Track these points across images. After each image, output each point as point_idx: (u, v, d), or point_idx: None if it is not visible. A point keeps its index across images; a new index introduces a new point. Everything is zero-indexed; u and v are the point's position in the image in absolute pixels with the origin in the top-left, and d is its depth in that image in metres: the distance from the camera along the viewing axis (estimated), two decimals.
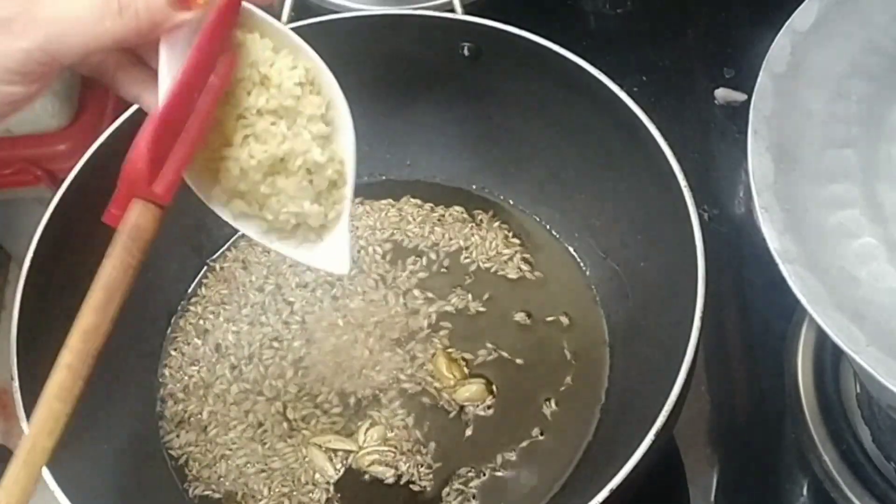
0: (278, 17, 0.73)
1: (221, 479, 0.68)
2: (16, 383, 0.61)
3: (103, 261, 0.48)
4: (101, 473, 0.65)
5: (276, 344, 0.73)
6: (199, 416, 0.71)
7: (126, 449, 0.68)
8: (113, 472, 0.66)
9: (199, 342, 0.74)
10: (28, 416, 0.59)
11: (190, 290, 0.77)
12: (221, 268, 0.77)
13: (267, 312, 0.75)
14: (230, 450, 0.69)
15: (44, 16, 0.47)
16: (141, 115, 0.69)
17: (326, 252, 0.55)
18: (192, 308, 0.76)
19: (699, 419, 0.73)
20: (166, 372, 0.73)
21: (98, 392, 0.69)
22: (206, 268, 0.78)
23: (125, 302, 0.49)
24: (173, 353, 0.74)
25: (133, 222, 0.49)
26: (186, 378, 0.73)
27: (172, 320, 0.76)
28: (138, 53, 0.54)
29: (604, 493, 0.54)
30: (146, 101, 0.54)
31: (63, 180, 0.68)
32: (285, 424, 0.70)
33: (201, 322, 0.75)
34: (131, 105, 0.71)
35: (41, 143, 0.92)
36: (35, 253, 0.65)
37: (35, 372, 0.63)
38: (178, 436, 0.70)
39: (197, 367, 0.73)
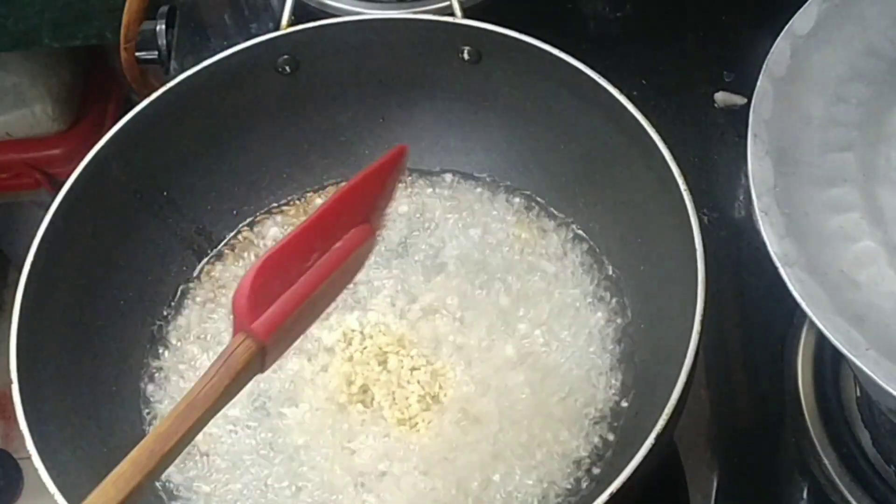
0: (278, 22, 0.74)
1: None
2: (15, 386, 0.61)
3: (199, 379, 0.49)
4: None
5: None
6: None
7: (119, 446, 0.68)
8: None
9: (197, 350, 0.74)
10: (27, 418, 0.59)
11: (189, 291, 0.77)
12: (221, 269, 0.77)
13: None
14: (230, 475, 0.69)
15: None
16: (143, 116, 0.70)
17: None
18: (190, 309, 0.76)
19: (699, 423, 0.73)
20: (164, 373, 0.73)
21: (97, 391, 0.70)
22: (206, 269, 0.77)
23: (207, 420, 0.48)
24: (169, 355, 0.74)
25: (230, 350, 0.49)
26: (183, 382, 0.73)
27: (171, 321, 0.76)
28: None
29: (604, 497, 0.54)
30: None
31: (63, 184, 0.68)
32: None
33: (201, 323, 0.75)
34: (131, 109, 0.71)
35: (41, 147, 0.92)
36: (35, 256, 0.65)
37: (34, 375, 0.63)
38: None
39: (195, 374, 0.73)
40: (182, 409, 0.47)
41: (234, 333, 0.50)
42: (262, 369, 0.50)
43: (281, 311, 0.50)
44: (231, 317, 0.50)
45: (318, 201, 0.79)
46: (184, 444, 0.47)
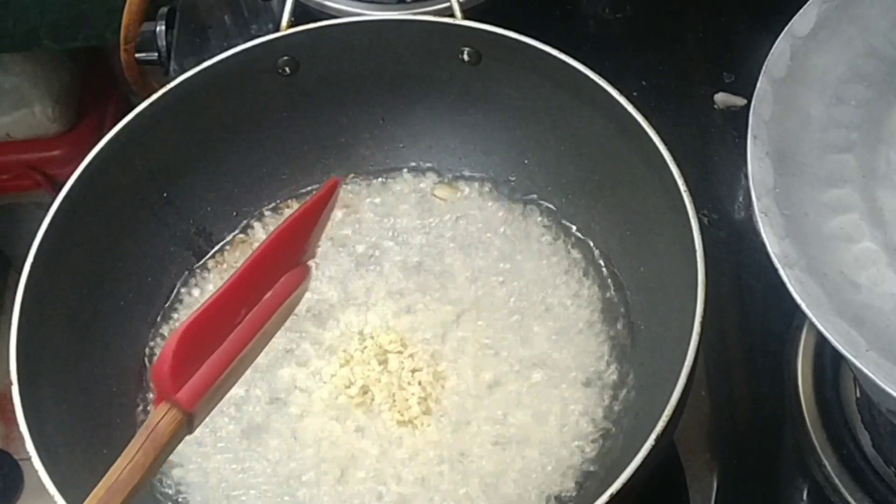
0: (278, 23, 0.74)
1: None
2: (15, 387, 0.61)
3: (122, 455, 0.46)
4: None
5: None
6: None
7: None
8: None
9: None
10: (27, 419, 0.59)
11: (189, 292, 0.77)
12: (221, 270, 0.77)
13: None
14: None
15: None
16: (143, 117, 0.71)
17: None
18: (190, 310, 0.76)
19: (699, 424, 0.73)
20: None
21: (97, 392, 0.70)
22: (205, 270, 0.77)
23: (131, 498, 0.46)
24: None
25: (152, 423, 0.46)
26: None
27: (171, 322, 0.75)
28: None
29: (604, 498, 0.54)
30: None
31: (63, 185, 0.68)
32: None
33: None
34: (130, 110, 0.71)
35: (41, 148, 0.92)
36: (35, 257, 0.65)
37: (34, 376, 0.63)
38: None
39: None
40: (103, 495, 0.45)
41: (156, 404, 0.47)
42: (190, 432, 0.47)
43: (208, 376, 0.47)
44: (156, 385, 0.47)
45: None
46: None
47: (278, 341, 0.66)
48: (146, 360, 0.74)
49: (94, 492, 0.45)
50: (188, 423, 0.47)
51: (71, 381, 0.67)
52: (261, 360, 0.54)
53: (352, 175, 0.79)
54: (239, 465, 0.68)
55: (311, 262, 0.53)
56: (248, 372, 0.50)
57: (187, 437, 0.47)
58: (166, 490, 0.68)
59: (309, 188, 0.79)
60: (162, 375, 0.46)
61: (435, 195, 0.79)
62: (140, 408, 0.71)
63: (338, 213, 0.77)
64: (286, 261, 0.52)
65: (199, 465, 0.69)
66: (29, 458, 0.58)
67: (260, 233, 0.78)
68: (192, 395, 0.47)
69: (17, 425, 0.59)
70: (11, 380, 0.61)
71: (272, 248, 0.51)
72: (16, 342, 0.62)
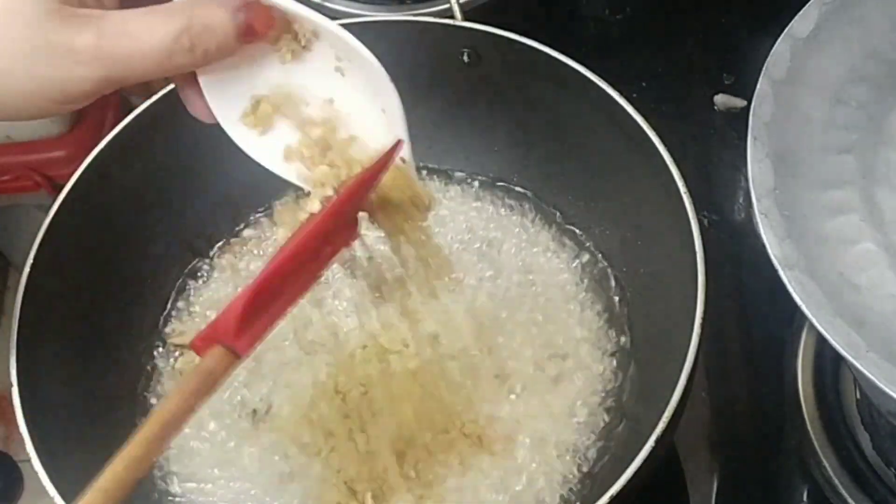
0: None
1: None
2: (15, 389, 0.61)
3: (170, 393, 0.48)
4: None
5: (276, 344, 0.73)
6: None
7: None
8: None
9: (195, 360, 0.74)
10: (27, 420, 0.59)
11: (188, 293, 0.77)
12: (221, 271, 0.77)
13: None
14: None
15: (113, 51, 0.47)
16: (143, 118, 0.70)
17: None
18: (189, 311, 0.76)
19: (699, 425, 0.73)
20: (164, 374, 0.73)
21: (97, 393, 0.70)
22: (205, 271, 0.77)
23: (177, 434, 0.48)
24: (168, 357, 0.74)
25: (208, 367, 0.48)
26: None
27: (170, 323, 0.76)
28: None
29: (604, 499, 0.54)
30: (194, 107, 0.54)
31: (63, 186, 0.68)
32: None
33: (201, 325, 0.75)
34: (131, 112, 0.71)
35: (41, 149, 0.92)
36: (35, 259, 0.65)
37: (34, 378, 0.63)
38: None
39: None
40: (155, 433, 0.46)
41: (203, 350, 0.48)
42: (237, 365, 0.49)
43: (264, 325, 0.49)
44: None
45: None
46: (150, 468, 0.46)
47: None
48: (146, 360, 0.74)
49: (146, 425, 0.46)
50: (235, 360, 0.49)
51: (71, 383, 0.67)
52: None
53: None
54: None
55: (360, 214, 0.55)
56: None
57: None
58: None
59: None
60: (228, 329, 0.48)
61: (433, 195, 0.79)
62: (139, 409, 0.72)
63: None
64: (346, 220, 0.54)
65: None
66: (29, 460, 0.59)
67: (259, 233, 0.78)
68: (250, 343, 0.49)
69: (17, 427, 0.59)
70: (11, 381, 0.61)
71: (337, 210, 0.52)
72: (16, 343, 0.62)
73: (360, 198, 0.54)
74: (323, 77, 0.53)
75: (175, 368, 0.73)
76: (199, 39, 0.48)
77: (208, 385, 0.48)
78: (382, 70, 0.51)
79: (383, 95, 0.52)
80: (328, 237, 0.52)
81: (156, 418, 0.46)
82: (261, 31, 0.50)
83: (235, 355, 0.48)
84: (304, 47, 0.52)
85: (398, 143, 0.53)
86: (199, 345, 0.48)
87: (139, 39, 0.47)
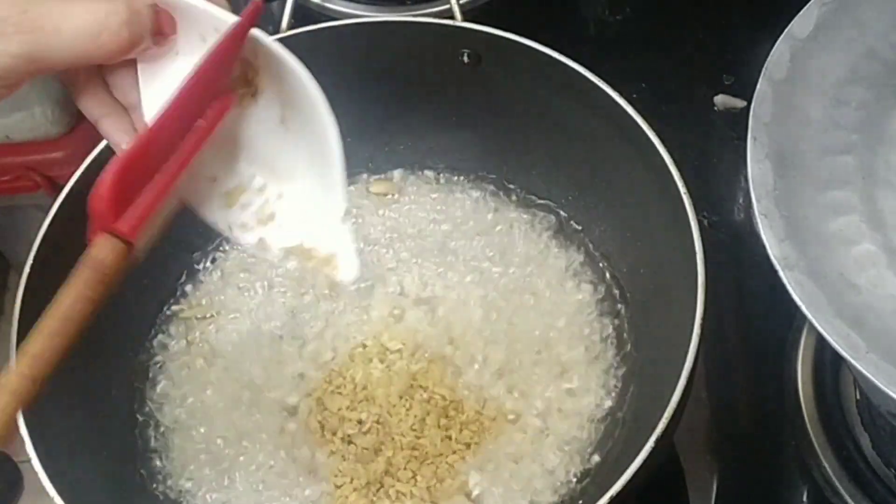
0: (278, 25, 0.74)
1: None
2: None
3: (63, 287, 0.46)
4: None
5: (276, 346, 0.73)
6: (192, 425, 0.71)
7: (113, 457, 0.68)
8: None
9: (194, 360, 0.74)
10: (27, 421, 0.59)
11: (188, 293, 0.77)
12: (220, 271, 0.77)
13: (271, 319, 0.75)
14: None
15: (40, 24, 0.46)
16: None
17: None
18: (189, 312, 0.76)
19: (699, 426, 0.73)
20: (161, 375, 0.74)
21: (96, 394, 0.70)
22: (204, 270, 0.77)
23: (79, 332, 0.47)
24: (168, 357, 0.74)
25: (94, 255, 0.47)
26: (183, 385, 0.73)
27: (170, 323, 0.75)
28: (106, 79, 0.53)
29: (604, 500, 0.54)
30: (104, 128, 0.53)
31: (62, 187, 0.68)
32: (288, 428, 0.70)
33: (203, 326, 0.75)
34: None
35: (41, 150, 0.92)
36: (35, 259, 0.65)
37: None
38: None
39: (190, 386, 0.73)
40: (52, 327, 0.46)
41: (92, 237, 0.47)
42: (132, 262, 0.48)
43: (148, 205, 0.47)
44: (93, 224, 0.47)
45: None
46: (54, 365, 0.45)
47: None
48: (145, 361, 0.74)
49: (43, 322, 0.45)
50: (129, 252, 0.47)
51: (70, 383, 0.66)
52: None
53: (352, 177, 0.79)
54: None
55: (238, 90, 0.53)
56: None
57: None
58: None
59: None
60: (101, 207, 0.46)
61: (434, 195, 0.79)
62: (141, 408, 0.72)
63: None
64: (216, 87, 0.51)
65: None
66: (29, 461, 0.58)
67: None
68: (134, 225, 0.47)
69: (16, 427, 0.59)
70: None
71: (202, 76, 0.50)
72: (16, 343, 0.62)
73: (224, 66, 0.51)
74: (268, 131, 0.53)
75: (175, 368, 0.73)
76: (128, 23, 0.48)
77: (100, 278, 0.46)
78: (303, 69, 0.52)
79: (309, 102, 0.53)
80: (199, 107, 0.50)
81: (50, 312, 0.46)
82: (168, 32, 0.50)
83: (126, 243, 0.46)
84: (252, 96, 0.52)
85: (258, 5, 0.51)
86: (90, 238, 0.47)
87: (68, 14, 0.46)
